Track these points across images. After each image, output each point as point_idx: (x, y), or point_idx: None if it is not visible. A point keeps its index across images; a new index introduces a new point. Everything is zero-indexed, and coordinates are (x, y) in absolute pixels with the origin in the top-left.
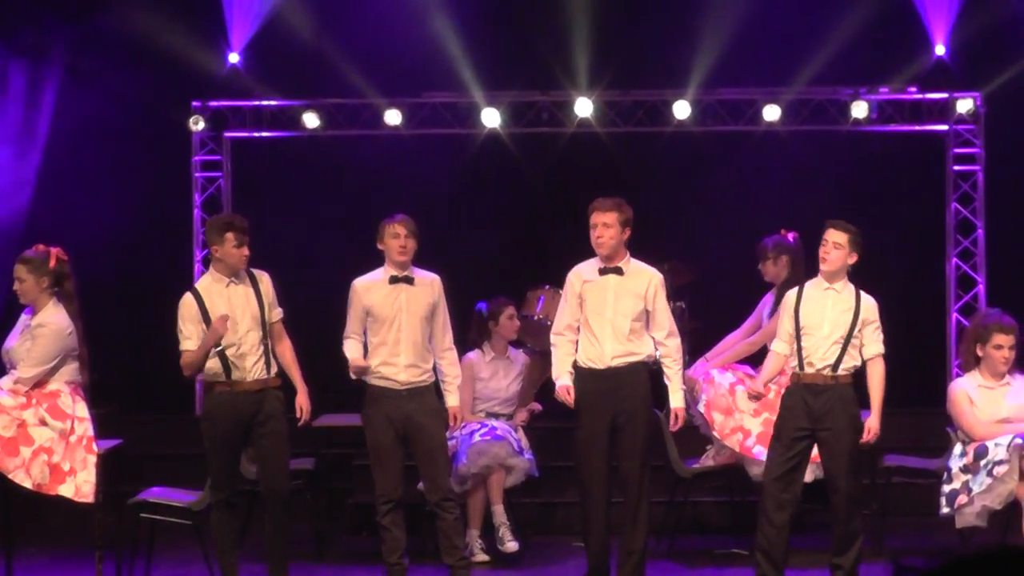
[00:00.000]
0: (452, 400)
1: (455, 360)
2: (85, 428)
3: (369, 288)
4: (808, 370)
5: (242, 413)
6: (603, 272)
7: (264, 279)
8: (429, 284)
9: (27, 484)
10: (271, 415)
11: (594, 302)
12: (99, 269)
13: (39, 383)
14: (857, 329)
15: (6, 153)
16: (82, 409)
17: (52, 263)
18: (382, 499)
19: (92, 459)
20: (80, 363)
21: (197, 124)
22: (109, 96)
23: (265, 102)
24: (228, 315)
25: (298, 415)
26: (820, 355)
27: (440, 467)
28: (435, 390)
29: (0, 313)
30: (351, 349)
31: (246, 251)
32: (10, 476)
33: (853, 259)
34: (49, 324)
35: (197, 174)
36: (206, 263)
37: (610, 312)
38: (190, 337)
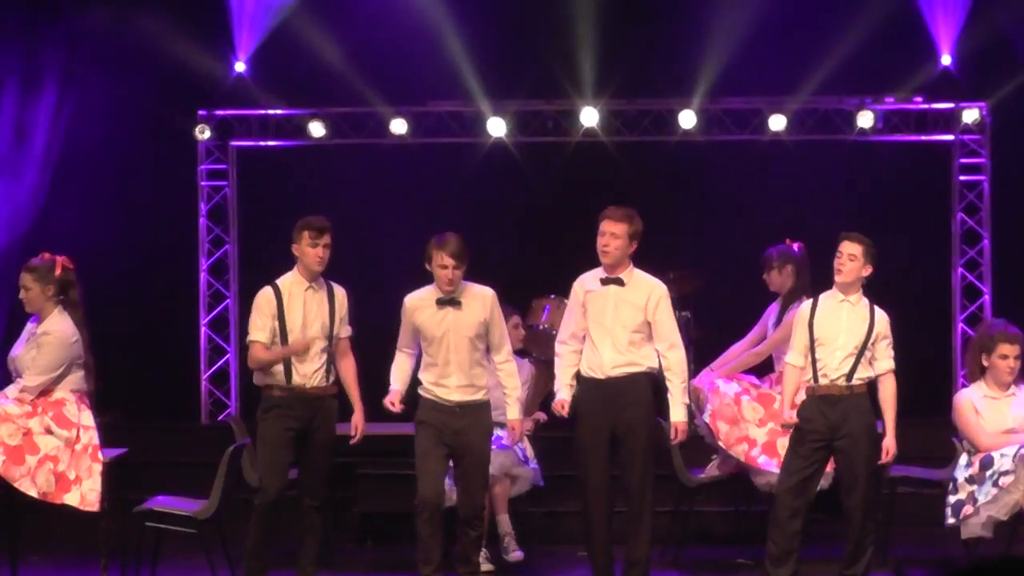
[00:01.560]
0: (512, 413)
1: (514, 372)
2: (90, 436)
3: (417, 307)
4: (823, 381)
5: (299, 418)
6: (604, 282)
7: (340, 293)
8: (479, 301)
9: (32, 493)
10: (324, 423)
11: (595, 312)
12: (105, 277)
13: (45, 391)
14: (871, 342)
15: (13, 162)
16: (87, 417)
17: (58, 271)
18: (420, 506)
19: (97, 467)
20: (86, 371)
21: (203, 133)
22: (115, 105)
23: (271, 111)
24: (310, 345)
25: (352, 433)
26: (834, 366)
27: (477, 485)
28: (490, 406)
29: (6, 321)
30: (396, 371)
31: (321, 251)
32: (16, 484)
33: (868, 271)
34: (55, 332)
35: (203, 183)
36: (213, 271)
37: (609, 322)
38: (262, 329)
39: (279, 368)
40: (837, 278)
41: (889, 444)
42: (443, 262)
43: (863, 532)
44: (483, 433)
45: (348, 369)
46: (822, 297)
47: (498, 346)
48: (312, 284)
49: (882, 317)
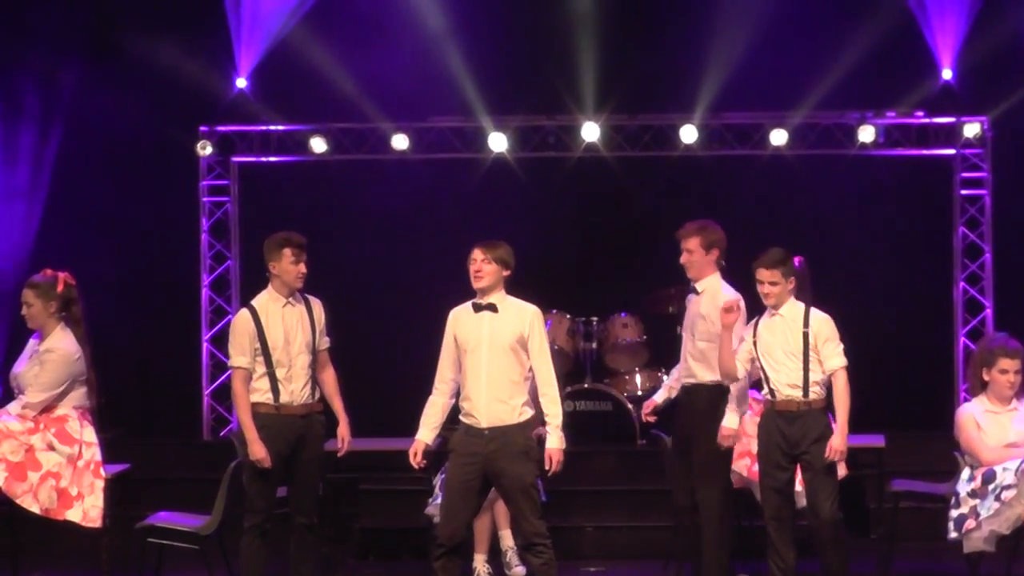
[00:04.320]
0: (552, 442)
1: (556, 398)
2: (93, 453)
3: (458, 316)
4: (779, 397)
5: (288, 438)
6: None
7: (317, 305)
8: (519, 313)
9: (35, 509)
10: (312, 440)
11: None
12: (107, 293)
13: (47, 408)
14: (812, 347)
15: (16, 178)
16: (90, 434)
17: (60, 287)
18: (436, 542)
19: (100, 484)
20: (88, 388)
21: (205, 149)
22: (117, 120)
23: (272, 127)
24: (269, 463)
25: (339, 445)
26: (786, 381)
27: (522, 510)
28: (529, 427)
29: (8, 338)
30: (426, 415)
31: (303, 268)
32: (18, 501)
33: (792, 284)
34: (57, 349)
35: (205, 199)
36: (215, 287)
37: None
38: (243, 354)
39: (266, 386)
40: (767, 302)
41: (836, 442)
42: (472, 255)
43: (836, 545)
44: (515, 455)
45: (330, 381)
46: (761, 320)
47: (540, 367)
48: (289, 300)
49: (818, 318)
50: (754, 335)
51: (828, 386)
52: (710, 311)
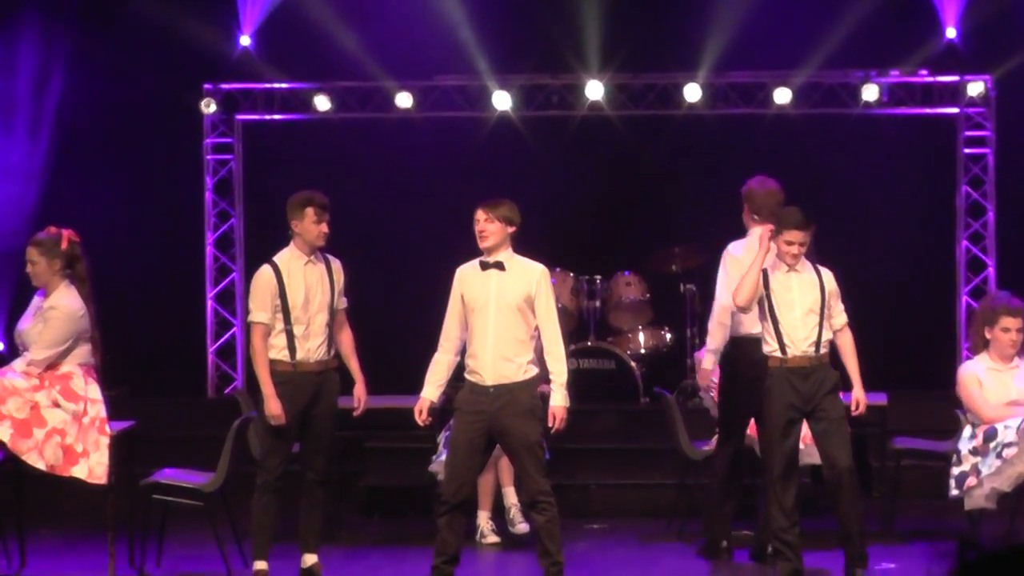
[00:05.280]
0: (555, 399)
1: (561, 357)
2: (98, 410)
3: (465, 274)
4: (791, 352)
5: (304, 395)
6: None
7: (337, 265)
8: (527, 272)
9: (40, 465)
10: (327, 397)
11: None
12: (111, 251)
13: (52, 365)
14: (826, 303)
15: (17, 137)
16: (95, 391)
17: (64, 245)
18: (441, 499)
19: (105, 440)
20: (92, 345)
21: (209, 107)
22: (121, 79)
23: (276, 85)
24: (284, 420)
25: (356, 404)
26: (802, 336)
27: (526, 467)
28: (534, 384)
29: (13, 296)
30: (432, 372)
31: (325, 227)
32: (24, 457)
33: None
34: (61, 306)
35: (209, 156)
36: (219, 245)
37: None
38: (263, 309)
39: (283, 343)
40: (790, 262)
41: (858, 395)
42: (476, 215)
43: (853, 494)
44: (520, 413)
45: (347, 341)
46: (771, 272)
47: (546, 326)
48: (311, 258)
49: (828, 275)
50: (767, 289)
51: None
52: None
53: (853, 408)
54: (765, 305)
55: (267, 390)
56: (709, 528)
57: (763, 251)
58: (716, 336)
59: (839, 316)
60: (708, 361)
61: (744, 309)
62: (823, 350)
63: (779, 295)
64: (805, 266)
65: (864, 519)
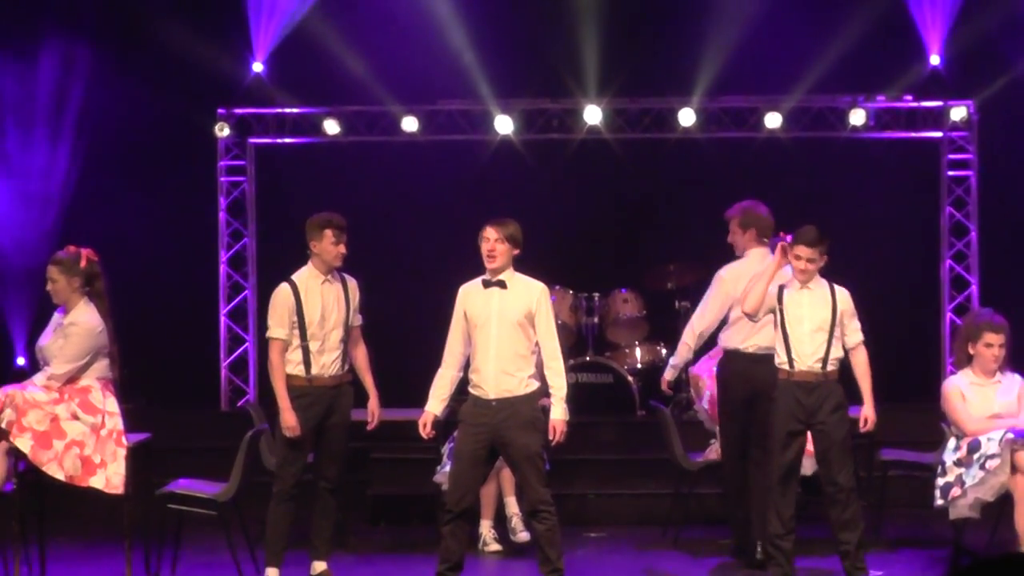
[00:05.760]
0: (555, 413)
1: (560, 371)
2: (115, 422)
3: (468, 292)
4: (799, 367)
5: (319, 407)
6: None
7: (353, 284)
8: (528, 290)
9: (60, 476)
10: (341, 409)
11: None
12: (129, 269)
13: (71, 379)
14: (838, 321)
15: (37, 159)
16: (112, 404)
17: (83, 263)
18: (446, 507)
19: (122, 452)
20: (111, 360)
21: (222, 131)
22: (139, 103)
23: (287, 109)
24: (299, 431)
25: (369, 419)
26: (809, 351)
27: (527, 478)
28: (535, 398)
29: (34, 312)
30: (436, 387)
31: (343, 248)
32: (44, 468)
33: (824, 261)
34: (81, 323)
35: (222, 178)
36: (232, 263)
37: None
38: (282, 326)
39: (299, 359)
40: (801, 279)
41: (868, 413)
42: (484, 234)
43: (850, 507)
44: (522, 425)
45: (361, 357)
46: (785, 291)
47: (546, 342)
48: (328, 277)
49: (843, 295)
50: (780, 303)
51: (839, 361)
52: None
53: (861, 424)
54: (777, 318)
55: (283, 403)
56: (735, 536)
57: (776, 264)
58: (680, 353)
59: (853, 335)
60: (669, 373)
61: (752, 316)
62: (830, 367)
63: (790, 310)
64: (820, 284)
65: (864, 536)
